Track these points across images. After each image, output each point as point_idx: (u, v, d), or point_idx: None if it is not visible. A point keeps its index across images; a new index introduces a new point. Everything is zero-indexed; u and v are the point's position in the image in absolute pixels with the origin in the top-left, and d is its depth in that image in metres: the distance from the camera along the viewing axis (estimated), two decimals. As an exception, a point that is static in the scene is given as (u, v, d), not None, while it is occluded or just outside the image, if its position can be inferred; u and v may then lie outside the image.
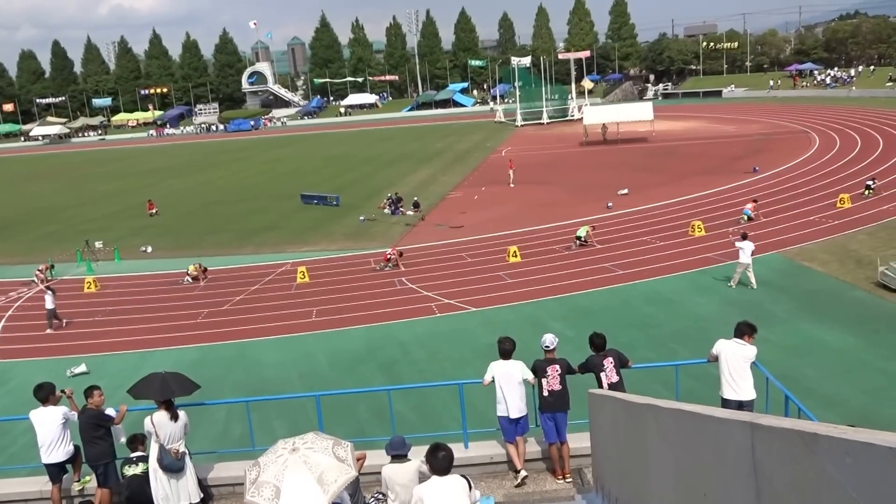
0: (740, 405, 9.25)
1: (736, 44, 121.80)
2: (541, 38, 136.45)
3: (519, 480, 9.40)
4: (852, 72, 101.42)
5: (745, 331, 9.55)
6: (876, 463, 2.11)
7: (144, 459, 9.15)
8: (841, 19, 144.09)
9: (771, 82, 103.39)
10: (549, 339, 9.52)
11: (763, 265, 22.05)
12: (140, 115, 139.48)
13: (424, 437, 9.61)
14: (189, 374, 9.70)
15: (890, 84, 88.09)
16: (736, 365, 9.41)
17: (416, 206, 38.40)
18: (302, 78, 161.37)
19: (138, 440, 9.34)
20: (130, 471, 9.28)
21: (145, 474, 9.02)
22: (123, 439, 9.70)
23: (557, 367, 9.33)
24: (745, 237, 21.67)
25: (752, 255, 21.15)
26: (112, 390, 10.92)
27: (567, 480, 9.55)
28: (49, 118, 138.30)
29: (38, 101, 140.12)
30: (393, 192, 40.23)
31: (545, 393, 9.35)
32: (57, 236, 38.81)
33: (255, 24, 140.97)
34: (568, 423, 9.55)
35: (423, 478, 7.00)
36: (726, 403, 9.31)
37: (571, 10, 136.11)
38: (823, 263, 22.91)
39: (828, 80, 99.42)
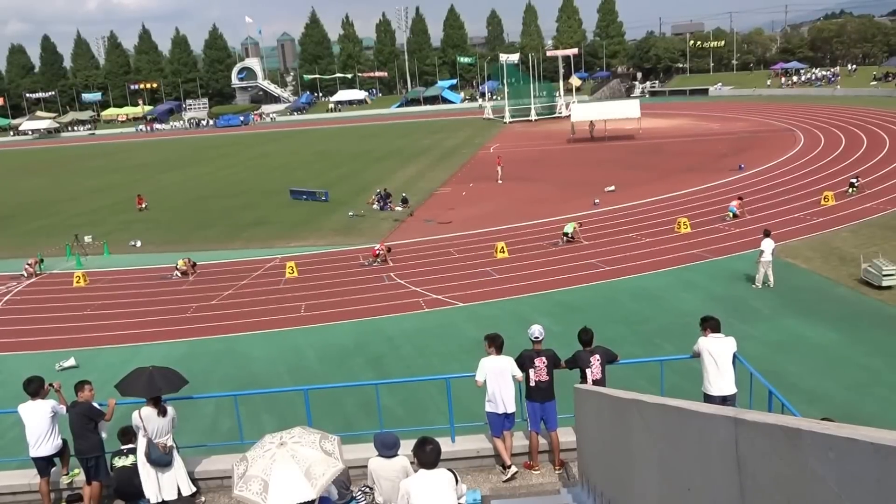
0: (724, 400, 9.34)
1: (722, 42, 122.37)
2: (529, 35, 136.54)
3: (509, 476, 9.46)
4: (837, 69, 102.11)
5: (714, 325, 9.69)
6: (858, 458, 2.14)
7: (134, 451, 9.12)
8: (826, 19, 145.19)
9: (782, 80, 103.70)
10: (537, 331, 9.59)
11: (748, 262, 22.20)
12: (129, 110, 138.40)
13: (412, 430, 9.68)
14: (178, 369, 9.66)
15: (874, 83, 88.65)
16: (718, 360, 9.50)
17: (404, 201, 38.35)
18: (291, 74, 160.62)
19: (131, 433, 9.31)
20: (120, 462, 9.27)
21: (135, 466, 8.99)
22: (105, 434, 9.64)
23: (545, 358, 9.45)
24: (767, 234, 21.04)
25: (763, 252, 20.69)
26: (101, 384, 10.86)
27: (557, 471, 9.62)
28: (38, 113, 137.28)
29: (27, 95, 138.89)
30: (381, 188, 40.15)
31: (532, 383, 9.48)
32: (46, 231, 38.50)
33: (250, 19, 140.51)
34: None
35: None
36: (709, 400, 9.38)
37: (560, 7, 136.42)
38: (807, 260, 23.09)
39: (800, 79, 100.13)
